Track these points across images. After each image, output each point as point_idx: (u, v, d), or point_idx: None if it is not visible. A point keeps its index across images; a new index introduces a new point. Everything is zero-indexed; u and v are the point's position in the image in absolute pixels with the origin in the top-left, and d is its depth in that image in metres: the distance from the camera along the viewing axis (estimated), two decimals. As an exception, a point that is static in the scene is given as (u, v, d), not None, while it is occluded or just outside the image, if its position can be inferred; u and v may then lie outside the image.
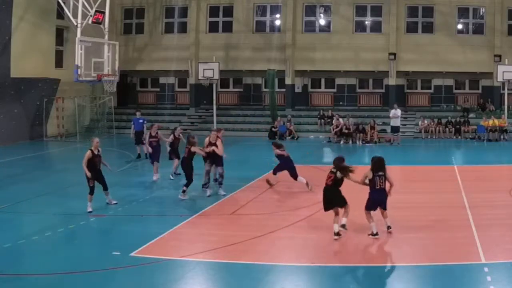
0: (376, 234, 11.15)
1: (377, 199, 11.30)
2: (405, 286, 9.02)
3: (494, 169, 20.39)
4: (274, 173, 16.57)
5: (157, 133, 17.93)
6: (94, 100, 32.79)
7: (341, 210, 11.34)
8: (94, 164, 13.52)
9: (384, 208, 11.42)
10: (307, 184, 15.88)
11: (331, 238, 11.29)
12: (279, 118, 30.19)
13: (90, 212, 13.23)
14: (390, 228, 11.43)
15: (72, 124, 30.23)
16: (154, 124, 19.28)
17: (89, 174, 13.31)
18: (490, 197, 14.79)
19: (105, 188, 13.81)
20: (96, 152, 13.68)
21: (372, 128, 27.94)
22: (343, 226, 11.22)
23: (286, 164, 16.25)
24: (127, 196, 15.26)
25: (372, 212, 11.33)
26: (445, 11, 31.18)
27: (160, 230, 11.71)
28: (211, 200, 14.59)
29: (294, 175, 16.10)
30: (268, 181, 16.54)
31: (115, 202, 14.08)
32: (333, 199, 11.35)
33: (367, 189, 11.40)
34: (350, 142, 27.78)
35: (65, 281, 9.07)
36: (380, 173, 11.31)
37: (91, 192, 13.42)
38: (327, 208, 11.42)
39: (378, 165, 11.38)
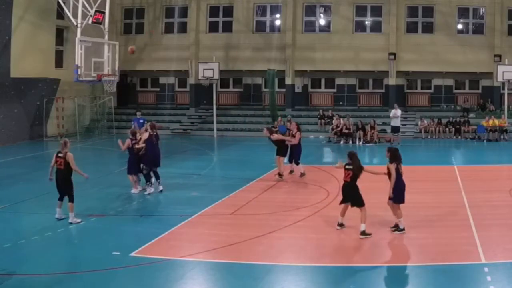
0: (403, 229, 11.35)
1: (404, 188, 11.49)
2: (405, 286, 9.03)
3: (494, 169, 20.38)
4: (297, 163, 17.67)
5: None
6: (94, 100, 32.77)
7: (358, 212, 11.38)
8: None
9: None
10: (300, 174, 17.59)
11: (331, 238, 11.31)
12: (279, 118, 30.17)
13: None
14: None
15: (72, 124, 30.22)
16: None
17: (86, 175, 12.71)
18: (490, 197, 14.78)
19: (62, 198, 12.53)
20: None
21: (372, 128, 27.95)
22: (363, 233, 11.15)
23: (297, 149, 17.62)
24: (127, 196, 15.24)
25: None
26: (445, 11, 31.18)
27: (160, 230, 11.71)
28: (211, 200, 14.58)
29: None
30: (302, 174, 17.60)
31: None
32: (349, 195, 11.45)
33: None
34: (350, 142, 27.78)
35: (65, 281, 9.06)
36: (401, 162, 11.56)
37: (72, 199, 12.38)
38: (342, 202, 11.66)
39: (399, 155, 11.56)
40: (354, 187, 11.45)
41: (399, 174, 11.38)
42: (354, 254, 10.57)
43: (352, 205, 11.53)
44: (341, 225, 11.76)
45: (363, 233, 11.16)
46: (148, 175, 15.46)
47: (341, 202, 11.76)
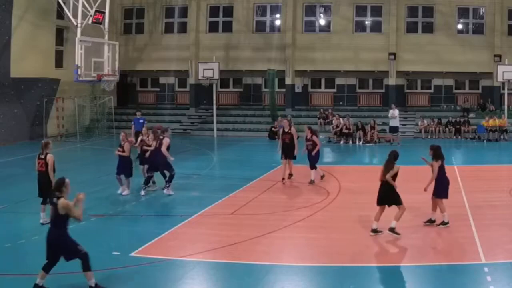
0: (448, 223, 11.66)
1: (448, 184, 11.87)
2: (405, 286, 9.02)
3: (494, 169, 20.38)
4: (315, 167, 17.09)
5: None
6: (94, 100, 32.74)
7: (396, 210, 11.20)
8: None
9: None
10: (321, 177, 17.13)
11: (330, 238, 11.30)
12: (279, 118, 30.18)
13: None
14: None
15: (72, 124, 30.21)
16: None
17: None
18: (490, 197, 14.78)
19: (45, 202, 12.02)
20: None
21: (372, 128, 27.96)
22: (392, 229, 10.97)
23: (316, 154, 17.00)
24: (127, 196, 15.23)
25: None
26: (445, 11, 31.20)
27: (160, 230, 11.71)
28: (211, 200, 14.58)
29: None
30: (322, 177, 17.17)
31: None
32: (386, 196, 11.19)
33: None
34: (350, 142, 27.79)
35: (65, 281, 9.05)
36: (444, 159, 11.87)
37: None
38: (379, 203, 11.33)
39: (441, 152, 11.84)
40: (391, 187, 11.13)
41: (443, 171, 11.70)
42: (354, 254, 10.54)
43: (390, 205, 11.21)
44: (375, 231, 11.22)
45: (392, 229, 10.98)
46: (149, 178, 15.45)
47: (378, 204, 11.32)
